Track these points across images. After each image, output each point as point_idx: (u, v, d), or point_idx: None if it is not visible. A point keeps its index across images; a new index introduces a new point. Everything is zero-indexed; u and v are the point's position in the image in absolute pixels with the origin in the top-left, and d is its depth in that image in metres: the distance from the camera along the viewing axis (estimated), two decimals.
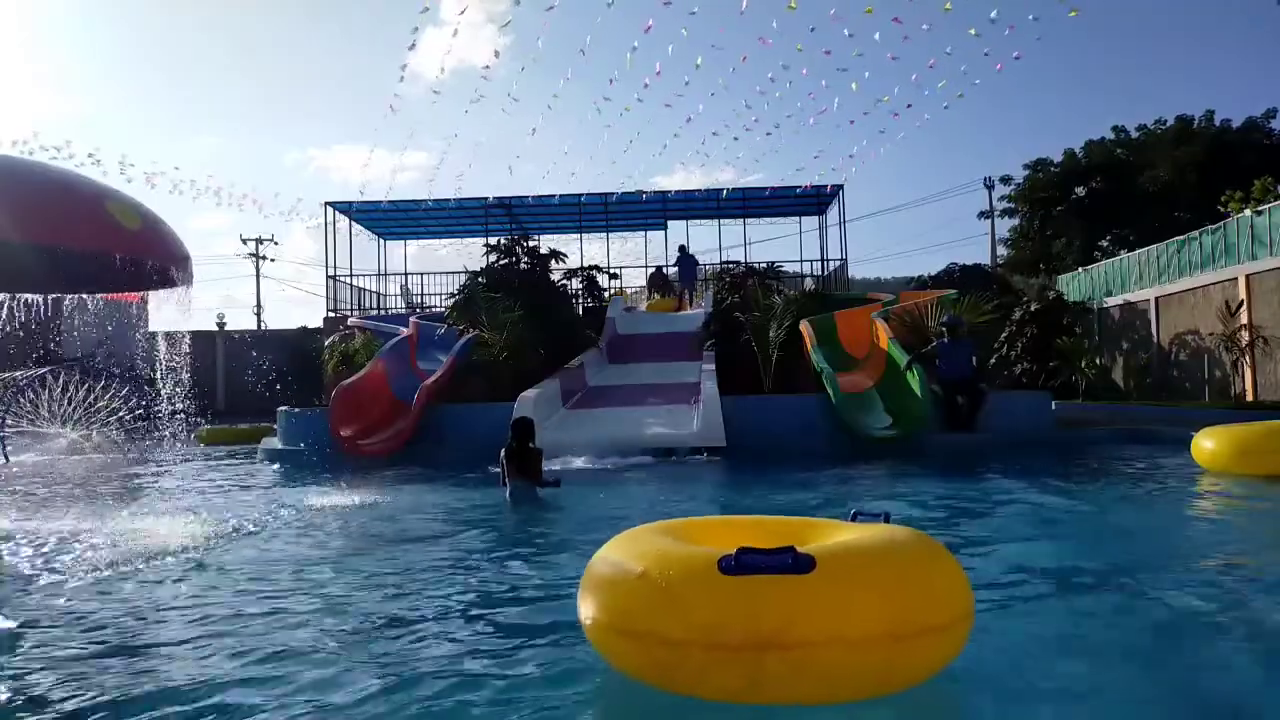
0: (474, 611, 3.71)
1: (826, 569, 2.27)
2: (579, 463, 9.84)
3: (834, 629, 2.20)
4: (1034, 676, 2.84)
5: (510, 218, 25.25)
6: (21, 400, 13.51)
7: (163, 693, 2.76)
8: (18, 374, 13.87)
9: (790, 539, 2.79)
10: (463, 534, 5.78)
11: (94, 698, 2.72)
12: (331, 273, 24.00)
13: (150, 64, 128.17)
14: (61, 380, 13.75)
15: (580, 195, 23.97)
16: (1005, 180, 36.04)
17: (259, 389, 24.04)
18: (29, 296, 5.77)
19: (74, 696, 2.74)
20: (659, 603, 2.36)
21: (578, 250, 26.34)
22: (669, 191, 25.20)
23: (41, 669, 3.03)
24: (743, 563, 2.28)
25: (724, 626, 2.23)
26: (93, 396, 13.84)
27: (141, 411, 14.12)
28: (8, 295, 5.69)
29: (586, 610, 2.60)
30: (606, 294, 21.53)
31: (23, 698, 2.74)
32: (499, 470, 7.38)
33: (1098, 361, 20.27)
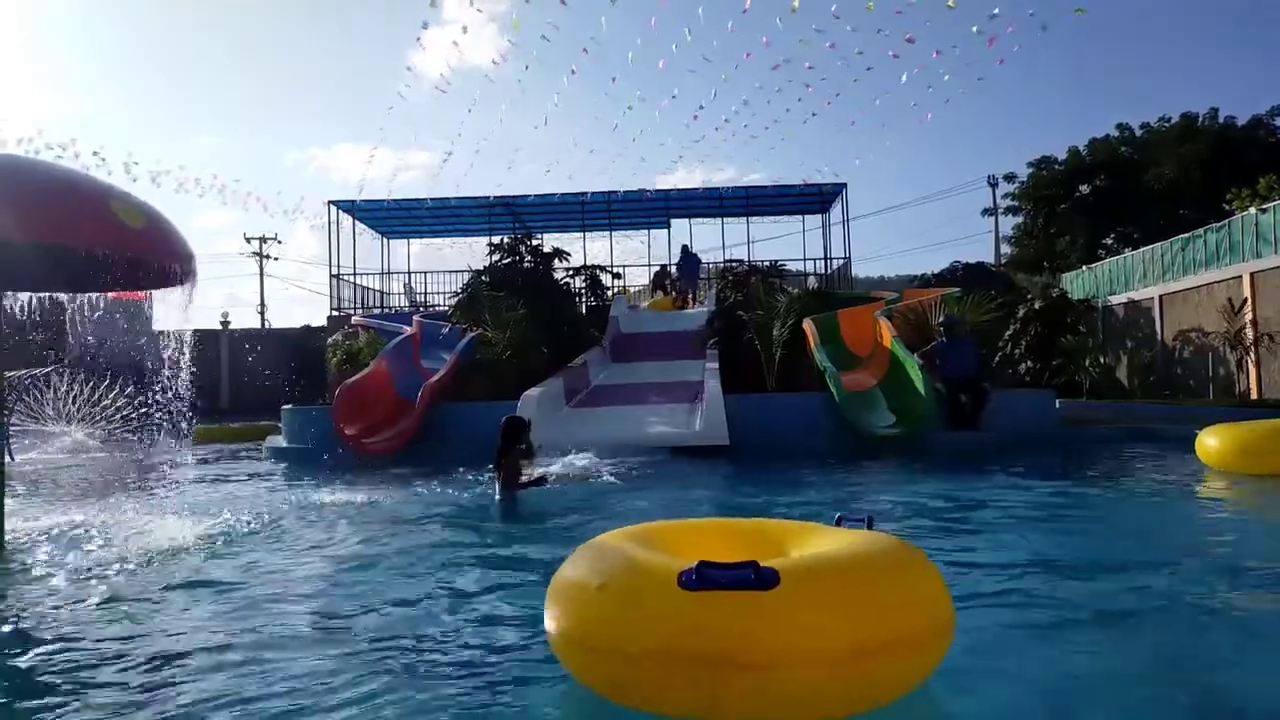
0: (446, 617, 3.67)
1: (791, 585, 2.18)
2: (582, 461, 9.83)
3: (796, 649, 2.11)
4: (1030, 681, 2.81)
5: (513, 216, 25.25)
6: (26, 399, 13.54)
7: (151, 688, 2.78)
8: (21, 372, 13.90)
9: (766, 545, 2.73)
10: (454, 536, 5.75)
11: (93, 699, 2.73)
12: (335, 271, 24.03)
13: (150, 64, 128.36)
14: (66, 379, 13.80)
15: (583, 194, 23.97)
16: (1009, 178, 36.03)
17: (263, 387, 24.09)
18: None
19: (73, 698, 2.75)
20: (617, 617, 2.30)
21: (581, 249, 26.38)
22: (672, 190, 25.21)
23: (43, 670, 3.04)
24: (703, 577, 2.20)
25: (682, 644, 2.14)
26: (97, 395, 13.88)
27: (145, 410, 14.16)
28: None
29: (549, 622, 2.53)
30: (610, 293, 21.53)
31: (23, 698, 2.75)
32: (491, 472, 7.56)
33: (1102, 360, 20.23)
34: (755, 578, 2.16)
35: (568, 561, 2.66)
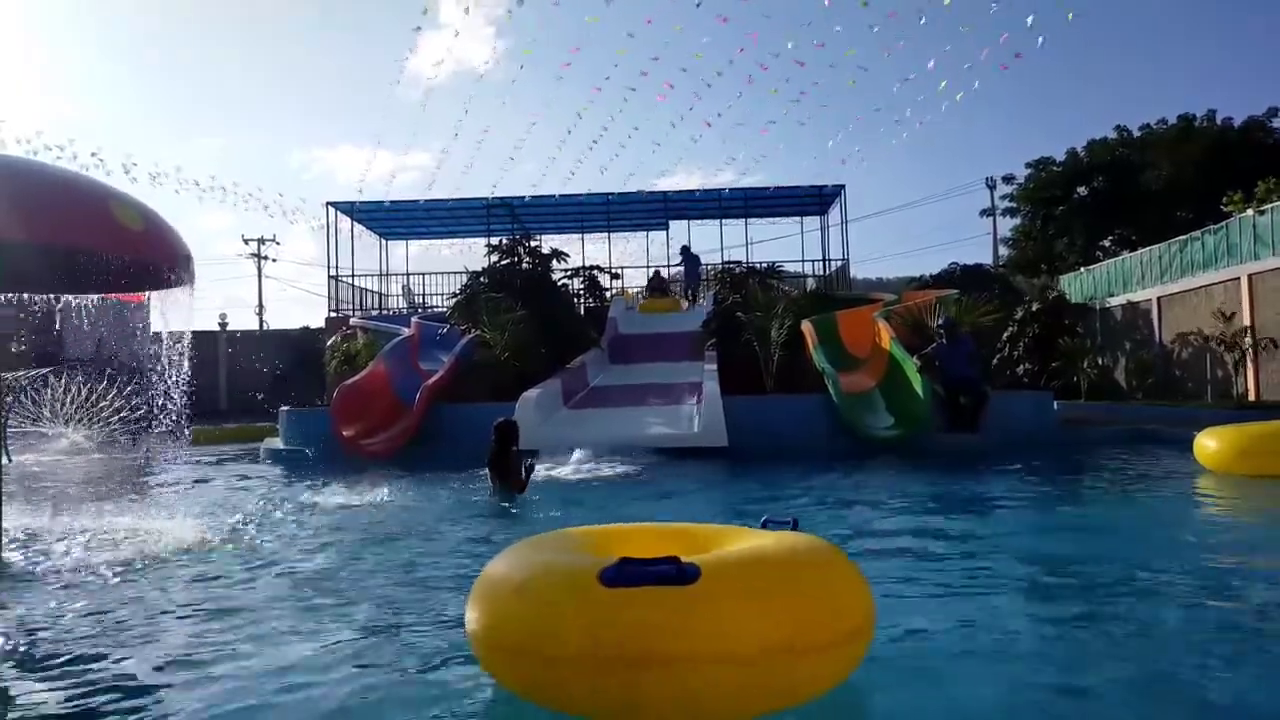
0: (429, 619, 3.65)
1: (711, 579, 2.18)
2: (579, 462, 9.82)
3: (716, 644, 2.10)
4: (1023, 684, 2.81)
5: (512, 218, 25.24)
6: (24, 400, 13.53)
7: (144, 692, 2.78)
8: (19, 373, 13.89)
9: (691, 546, 2.72)
10: (449, 538, 5.75)
11: (90, 700, 2.73)
12: (333, 273, 24.01)
13: (153, 67, 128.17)
14: (64, 380, 13.78)
15: (581, 195, 23.96)
16: (1007, 179, 36.02)
17: (260, 389, 24.06)
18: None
19: (69, 702, 2.75)
20: (535, 616, 2.27)
21: (579, 250, 26.38)
22: (670, 191, 25.20)
23: (39, 675, 3.05)
24: (624, 573, 2.19)
25: (601, 641, 2.12)
26: (94, 396, 13.86)
27: (143, 411, 14.14)
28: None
29: (470, 624, 2.48)
30: (608, 294, 21.52)
31: (19, 704, 2.75)
32: (486, 473, 7.57)
33: (1100, 361, 20.23)
34: (676, 574, 2.17)
35: (490, 563, 2.63)
